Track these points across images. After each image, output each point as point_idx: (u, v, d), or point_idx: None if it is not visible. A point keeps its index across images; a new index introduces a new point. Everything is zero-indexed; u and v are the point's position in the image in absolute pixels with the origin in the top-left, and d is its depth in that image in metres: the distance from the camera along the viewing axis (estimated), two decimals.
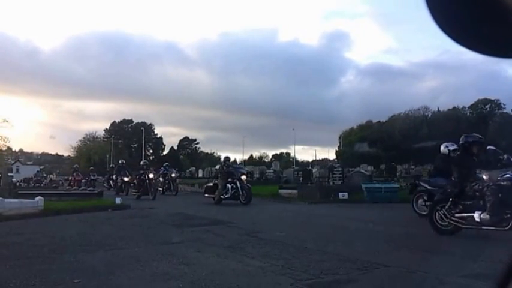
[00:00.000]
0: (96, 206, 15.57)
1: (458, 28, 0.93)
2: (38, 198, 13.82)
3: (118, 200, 16.50)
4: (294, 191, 21.15)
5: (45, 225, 11.20)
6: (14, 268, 6.16)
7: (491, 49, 0.96)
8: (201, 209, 15.96)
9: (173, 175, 27.24)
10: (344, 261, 6.62)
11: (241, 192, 17.85)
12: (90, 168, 40.94)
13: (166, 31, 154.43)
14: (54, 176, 71.64)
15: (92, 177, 34.91)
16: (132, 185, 25.24)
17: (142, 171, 22.88)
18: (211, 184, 19.73)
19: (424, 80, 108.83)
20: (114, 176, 29.72)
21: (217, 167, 25.82)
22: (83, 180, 33.96)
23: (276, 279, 5.64)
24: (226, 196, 18.01)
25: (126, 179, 26.02)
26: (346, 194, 20.09)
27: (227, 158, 21.36)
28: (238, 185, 17.97)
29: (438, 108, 73.29)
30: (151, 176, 22.23)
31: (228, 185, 18.05)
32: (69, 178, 36.25)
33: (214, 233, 9.73)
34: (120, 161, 30.10)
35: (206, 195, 19.26)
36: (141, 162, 26.03)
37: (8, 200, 13.86)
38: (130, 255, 7.16)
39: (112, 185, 30.25)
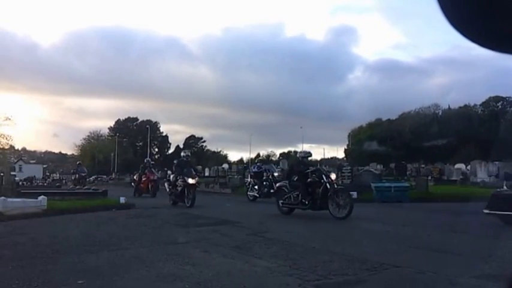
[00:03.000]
0: (101, 205, 15.51)
1: (469, 24, 0.92)
2: (41, 197, 13.77)
3: (122, 199, 16.41)
4: None
5: (48, 225, 11.16)
6: (17, 269, 6.10)
7: (502, 45, 0.93)
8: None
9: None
10: (353, 261, 6.54)
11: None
12: (78, 162, 35.02)
13: (168, 26, 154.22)
14: (58, 175, 71.80)
15: (82, 174, 31.56)
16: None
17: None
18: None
19: (434, 76, 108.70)
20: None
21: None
22: (73, 177, 32.51)
23: (283, 280, 5.55)
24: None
25: (191, 181, 16.69)
26: (355, 193, 19.92)
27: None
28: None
29: (449, 106, 73.17)
30: (191, 181, 16.76)
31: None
32: (73, 176, 34.20)
33: (221, 233, 9.65)
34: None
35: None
36: (175, 162, 25.95)
37: (11, 199, 13.80)
38: (135, 256, 7.09)
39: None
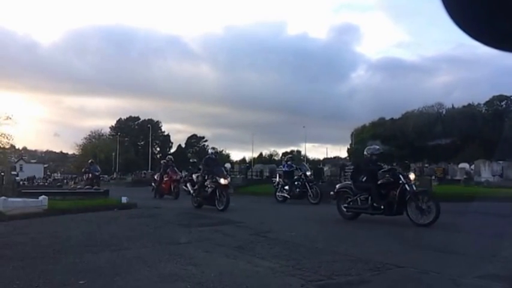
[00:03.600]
0: (102, 205, 15.49)
1: (473, 22, 0.92)
2: (42, 197, 13.75)
3: (124, 199, 16.38)
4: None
5: (49, 225, 11.14)
6: (18, 269, 6.07)
7: (506, 44, 0.93)
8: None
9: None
10: (356, 261, 6.49)
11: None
12: (90, 160, 31.53)
13: (170, 25, 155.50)
14: (59, 175, 71.87)
15: (95, 173, 28.56)
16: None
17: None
18: None
19: (437, 75, 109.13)
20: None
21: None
22: (85, 177, 29.42)
23: (286, 281, 5.52)
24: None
25: (223, 181, 15.26)
26: None
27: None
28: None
29: (453, 105, 73.20)
30: (223, 182, 15.45)
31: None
32: (85, 176, 30.42)
33: (223, 232, 9.62)
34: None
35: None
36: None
37: (12, 199, 13.78)
38: (136, 256, 7.05)
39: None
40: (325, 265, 6.23)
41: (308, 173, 19.26)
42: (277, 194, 19.92)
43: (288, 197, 19.31)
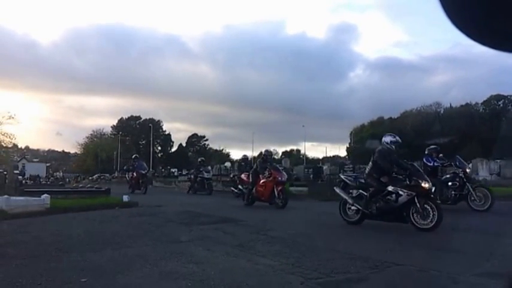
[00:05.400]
0: (104, 203, 15.52)
1: (470, 22, 0.92)
2: (44, 196, 13.79)
3: (126, 198, 16.42)
4: (305, 189, 20.98)
5: (51, 224, 11.18)
6: (20, 267, 6.12)
7: (503, 44, 0.94)
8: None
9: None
10: (355, 259, 6.55)
11: None
12: (134, 155, 27.80)
13: (169, 24, 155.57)
14: (61, 173, 71.96)
15: (142, 171, 24.63)
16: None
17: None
18: None
19: (435, 74, 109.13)
20: (247, 176, 17.50)
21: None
22: (129, 176, 25.47)
23: (286, 278, 5.57)
24: None
25: (284, 178, 15.66)
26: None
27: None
28: None
29: (450, 105, 73.36)
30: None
31: None
32: (127, 175, 26.39)
33: (224, 231, 9.65)
34: (265, 151, 17.50)
35: None
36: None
37: (14, 198, 13.83)
38: (138, 254, 7.09)
39: (240, 190, 18.40)
40: (324, 263, 6.29)
41: (468, 170, 14.63)
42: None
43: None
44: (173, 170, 58.55)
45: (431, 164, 14.72)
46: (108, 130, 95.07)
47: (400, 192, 9.82)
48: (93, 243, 8.18)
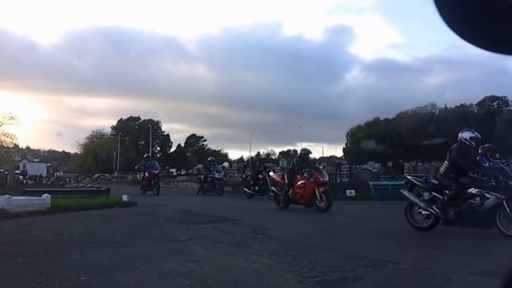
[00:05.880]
0: (103, 203, 15.60)
1: (465, 24, 0.93)
2: (45, 195, 13.86)
3: (125, 197, 16.48)
4: None
5: (52, 223, 11.20)
6: (21, 265, 6.16)
7: (497, 46, 0.95)
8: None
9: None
10: (351, 258, 6.62)
11: None
12: (146, 155, 27.02)
13: (167, 26, 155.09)
14: (61, 173, 71.97)
15: (154, 171, 23.25)
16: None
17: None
18: None
19: (430, 75, 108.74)
20: (283, 175, 15.88)
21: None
22: (140, 176, 24.01)
23: (283, 277, 5.63)
24: None
25: (326, 179, 14.68)
26: (353, 191, 20.07)
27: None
28: None
29: (445, 105, 73.47)
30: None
31: None
32: (138, 175, 24.88)
33: (222, 230, 9.70)
34: (302, 150, 16.44)
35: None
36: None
37: (15, 197, 13.91)
38: (137, 253, 7.15)
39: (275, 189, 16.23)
40: (321, 262, 6.34)
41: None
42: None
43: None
44: (172, 170, 58.44)
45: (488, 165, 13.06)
46: (108, 130, 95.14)
47: (487, 195, 8.72)
48: (93, 242, 8.24)
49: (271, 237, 8.71)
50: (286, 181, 14.76)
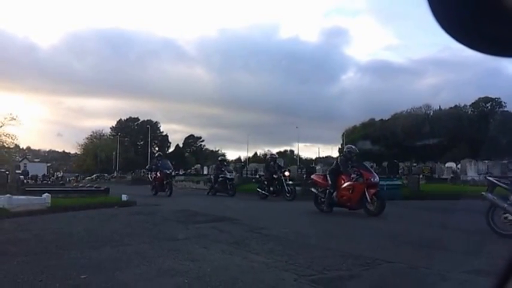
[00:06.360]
0: (103, 202, 15.69)
1: (459, 26, 0.94)
2: (45, 195, 13.93)
3: (124, 197, 16.54)
4: (298, 188, 21.05)
5: (52, 222, 11.26)
6: (22, 264, 6.22)
7: (491, 48, 0.95)
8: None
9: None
10: (347, 257, 6.67)
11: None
12: (157, 153, 26.61)
13: (165, 28, 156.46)
14: (61, 173, 71.95)
15: (166, 170, 22.15)
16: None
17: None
18: None
19: (425, 77, 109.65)
20: (323, 176, 14.68)
21: None
22: (152, 176, 22.78)
23: (280, 275, 5.70)
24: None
25: (376, 179, 13.41)
26: None
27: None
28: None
29: (440, 107, 74.09)
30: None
31: None
32: (150, 175, 23.59)
33: (219, 229, 9.75)
34: (347, 148, 14.90)
35: None
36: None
37: (16, 197, 13.99)
38: (136, 252, 7.21)
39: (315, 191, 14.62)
40: (317, 260, 6.41)
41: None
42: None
43: None
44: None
45: None
46: (107, 131, 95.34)
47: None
48: (93, 241, 8.28)
49: (268, 236, 8.77)
50: (330, 182, 13.47)
